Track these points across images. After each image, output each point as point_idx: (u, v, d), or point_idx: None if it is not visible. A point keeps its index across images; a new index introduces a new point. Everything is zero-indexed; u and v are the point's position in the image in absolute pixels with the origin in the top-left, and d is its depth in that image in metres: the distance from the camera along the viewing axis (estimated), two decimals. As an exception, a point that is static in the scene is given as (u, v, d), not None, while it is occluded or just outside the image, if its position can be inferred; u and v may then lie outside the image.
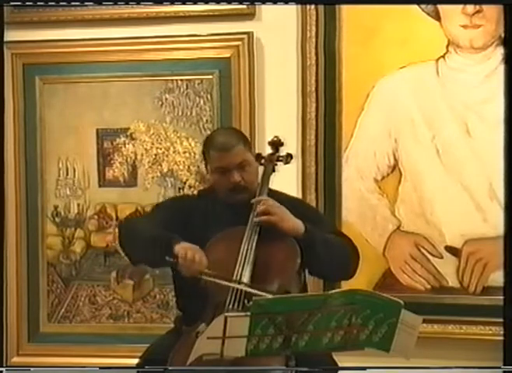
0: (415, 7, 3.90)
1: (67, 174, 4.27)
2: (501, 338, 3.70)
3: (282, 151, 3.25)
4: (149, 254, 3.00)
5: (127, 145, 4.21)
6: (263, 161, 3.23)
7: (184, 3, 4.07)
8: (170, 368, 2.84)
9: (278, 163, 3.24)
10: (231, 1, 4.02)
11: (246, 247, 2.98)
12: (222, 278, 2.90)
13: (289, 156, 3.25)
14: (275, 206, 3.02)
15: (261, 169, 3.21)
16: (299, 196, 3.88)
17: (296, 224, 3.01)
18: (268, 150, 3.28)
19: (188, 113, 4.14)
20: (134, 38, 4.14)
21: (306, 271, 3.22)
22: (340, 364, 3.01)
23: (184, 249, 2.88)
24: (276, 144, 3.26)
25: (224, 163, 3.07)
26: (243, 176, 3.07)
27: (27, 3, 4.17)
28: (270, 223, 2.98)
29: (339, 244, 3.09)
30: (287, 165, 3.25)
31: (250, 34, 4.02)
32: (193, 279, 2.91)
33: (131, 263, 3.40)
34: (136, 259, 3.19)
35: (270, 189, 3.16)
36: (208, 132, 4.05)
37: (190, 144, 4.14)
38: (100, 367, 3.28)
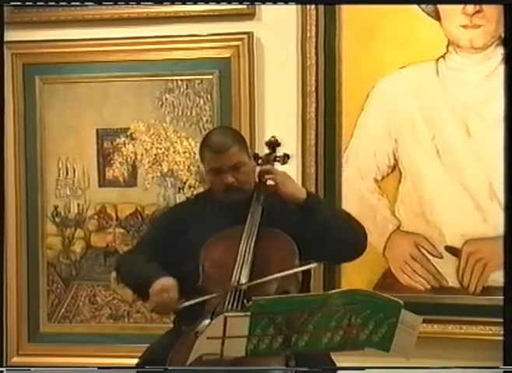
0: (415, 7, 3.90)
1: (67, 174, 4.27)
2: (501, 338, 3.70)
3: (279, 152, 3.25)
4: (133, 289, 3.18)
5: (127, 145, 4.20)
6: (260, 161, 3.23)
7: (184, 3, 4.07)
8: (169, 368, 2.84)
9: (276, 163, 3.23)
10: (231, 1, 4.02)
11: (244, 247, 2.99)
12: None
13: (286, 156, 3.24)
14: (276, 172, 3.06)
15: (258, 169, 3.21)
16: (299, 196, 3.88)
17: (297, 189, 3.03)
18: (265, 150, 3.28)
19: (188, 113, 4.14)
20: (134, 38, 4.13)
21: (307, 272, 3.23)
22: (340, 364, 3.01)
23: (155, 294, 2.91)
24: (273, 144, 3.26)
25: (218, 164, 3.07)
26: (237, 178, 3.07)
27: (27, 3, 4.17)
28: (270, 186, 3.02)
29: (344, 214, 3.11)
30: (285, 166, 3.25)
31: (250, 34, 4.02)
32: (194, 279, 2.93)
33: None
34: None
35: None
36: (208, 132, 4.07)
37: (190, 144, 4.14)
38: (100, 367, 3.28)
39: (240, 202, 3.07)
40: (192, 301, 2.92)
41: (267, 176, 3.05)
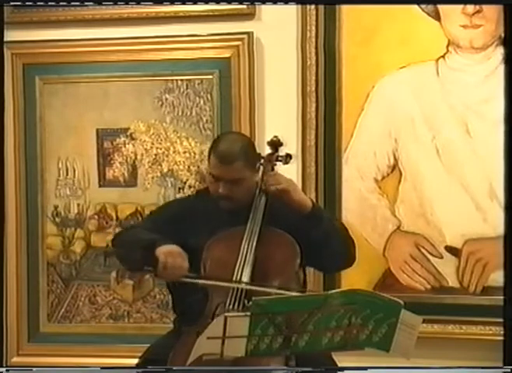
0: (415, 7, 3.90)
1: (67, 174, 4.27)
2: (501, 338, 3.70)
3: (282, 151, 3.25)
4: (131, 259, 3.04)
5: (127, 145, 4.21)
6: (262, 161, 3.23)
7: (184, 3, 4.07)
8: (169, 368, 2.84)
9: (278, 163, 3.23)
10: (231, 1, 4.02)
11: (246, 247, 2.99)
12: (203, 278, 2.93)
13: (289, 156, 3.24)
14: (285, 178, 3.06)
15: (260, 169, 3.21)
16: (299, 196, 3.88)
17: (305, 198, 3.05)
18: (267, 150, 3.27)
19: (188, 113, 4.14)
20: (134, 38, 4.13)
21: (307, 271, 3.23)
22: (340, 364, 3.01)
23: (164, 254, 2.87)
24: (276, 144, 3.25)
25: (218, 173, 3.07)
26: (233, 190, 3.06)
27: (27, 3, 4.17)
28: (283, 190, 3.00)
29: (341, 226, 3.16)
30: (286, 166, 3.25)
31: (250, 34, 4.02)
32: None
33: (127, 270, 3.43)
34: (126, 265, 3.23)
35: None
36: (208, 132, 4.08)
37: (190, 144, 4.14)
38: (101, 367, 3.28)
39: (230, 210, 3.08)
40: (192, 280, 2.91)
41: (276, 185, 3.03)
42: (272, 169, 3.20)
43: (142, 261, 2.96)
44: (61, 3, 4.15)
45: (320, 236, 2.99)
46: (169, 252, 2.88)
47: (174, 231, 3.06)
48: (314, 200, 3.88)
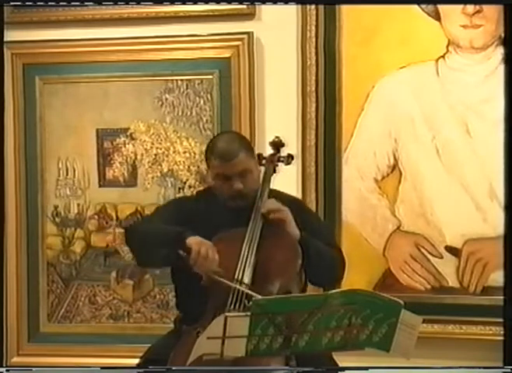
0: (415, 7, 3.90)
1: (67, 174, 4.27)
2: (501, 338, 3.71)
3: (283, 152, 3.25)
4: (159, 250, 2.97)
5: (127, 145, 4.21)
6: (264, 161, 3.23)
7: (184, 3, 4.07)
8: (170, 368, 2.84)
9: (279, 164, 3.23)
10: (231, 1, 4.02)
11: (247, 247, 2.98)
12: (229, 280, 2.91)
13: (290, 157, 3.24)
14: (282, 207, 3.02)
15: (261, 169, 3.21)
16: (300, 196, 3.89)
17: (295, 231, 3.01)
18: (268, 150, 3.27)
19: (188, 113, 4.15)
20: (134, 38, 4.14)
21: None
22: (340, 364, 3.01)
23: (197, 244, 2.86)
24: (277, 144, 3.25)
25: (225, 171, 3.06)
26: (245, 183, 3.06)
27: (27, 3, 4.17)
28: (281, 219, 2.98)
29: (330, 256, 3.10)
30: (288, 166, 3.25)
31: (250, 34, 4.02)
32: (195, 278, 2.92)
33: (139, 265, 3.40)
34: (145, 260, 3.19)
35: (271, 190, 3.16)
36: (208, 132, 4.07)
37: (190, 144, 4.14)
38: (101, 367, 3.28)
39: (242, 207, 3.07)
40: (223, 280, 2.88)
41: (276, 214, 3.01)
42: (274, 170, 3.20)
43: (168, 253, 2.91)
44: (61, 3, 4.15)
45: (304, 264, 2.99)
46: (201, 243, 2.86)
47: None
48: (314, 202, 3.92)
